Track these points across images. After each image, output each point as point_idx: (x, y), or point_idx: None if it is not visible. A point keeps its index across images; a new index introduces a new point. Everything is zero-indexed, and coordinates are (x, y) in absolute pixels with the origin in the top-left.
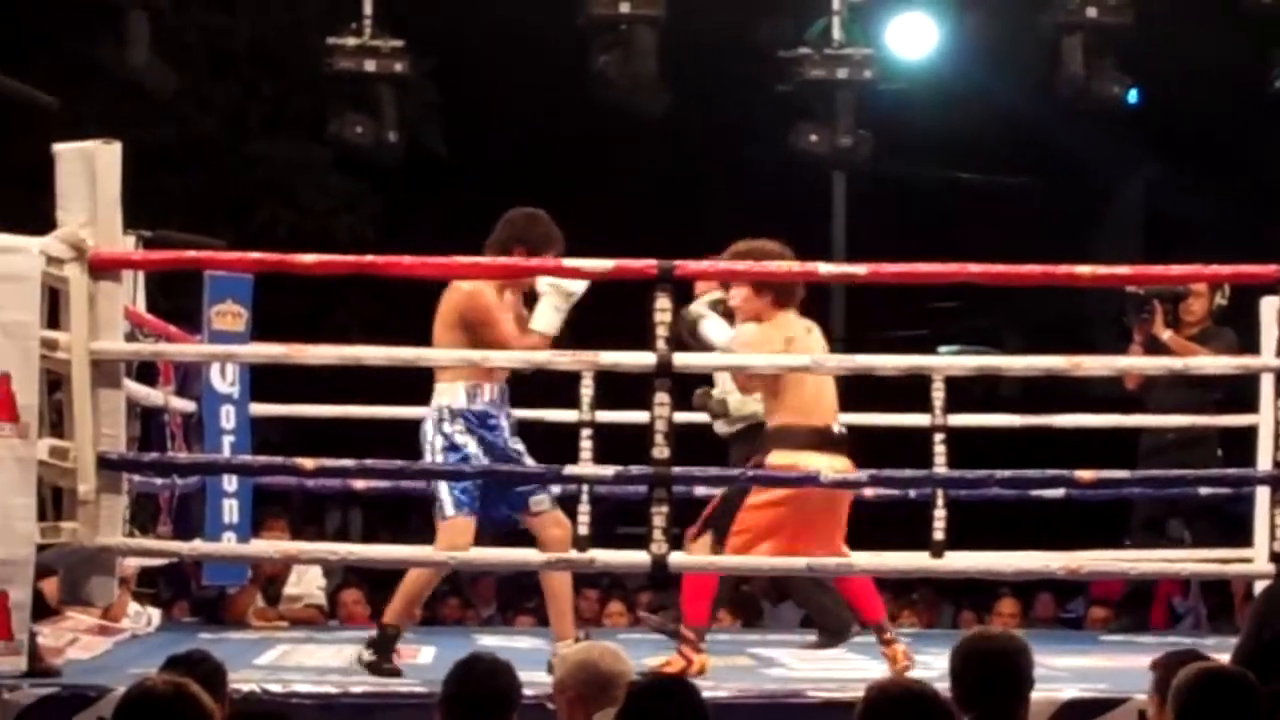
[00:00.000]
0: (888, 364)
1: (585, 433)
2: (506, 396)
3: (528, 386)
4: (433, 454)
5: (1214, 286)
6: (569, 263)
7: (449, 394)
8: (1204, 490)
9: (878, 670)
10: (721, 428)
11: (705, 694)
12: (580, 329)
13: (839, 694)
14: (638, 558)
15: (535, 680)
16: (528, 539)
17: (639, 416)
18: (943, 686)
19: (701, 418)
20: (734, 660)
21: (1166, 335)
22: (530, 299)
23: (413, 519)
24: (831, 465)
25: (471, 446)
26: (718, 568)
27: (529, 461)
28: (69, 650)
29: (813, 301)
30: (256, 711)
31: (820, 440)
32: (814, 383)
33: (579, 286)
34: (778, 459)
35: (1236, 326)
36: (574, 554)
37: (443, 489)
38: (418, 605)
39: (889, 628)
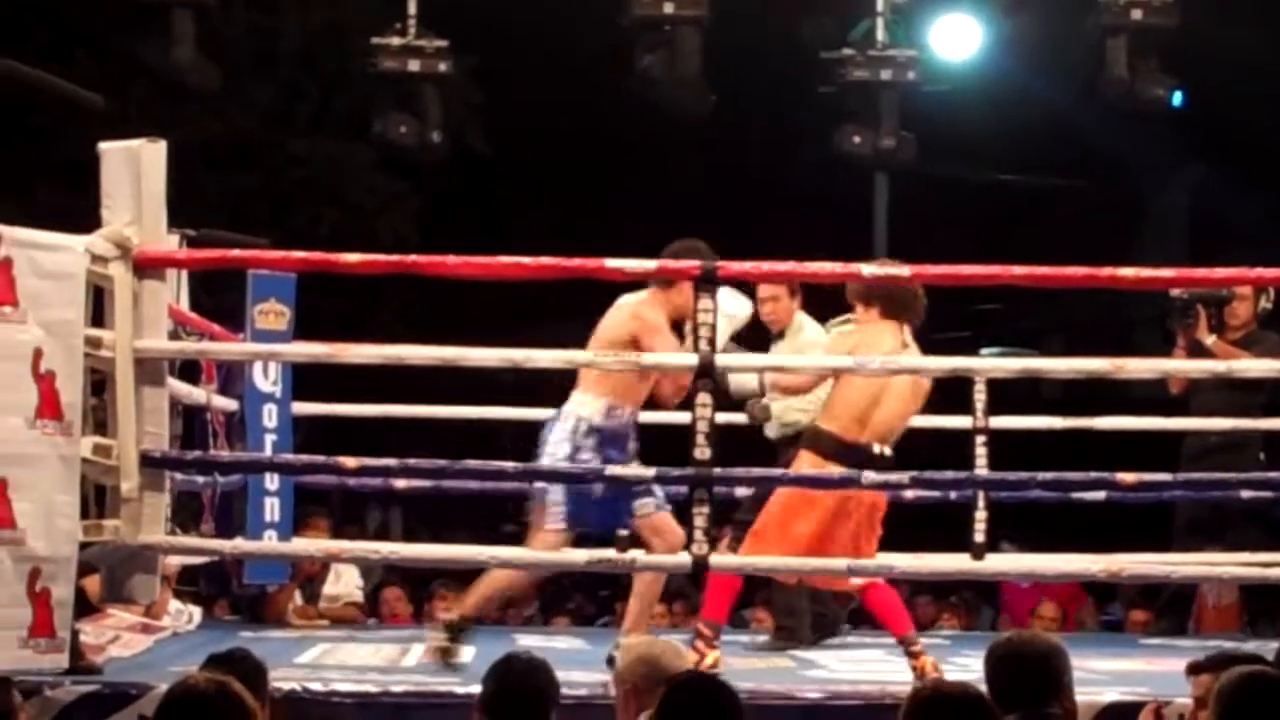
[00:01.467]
0: (930, 365)
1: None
2: (637, 420)
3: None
4: (553, 459)
5: (1259, 290)
6: (613, 263)
7: (588, 406)
8: (1245, 494)
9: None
10: (771, 432)
11: (743, 695)
12: None
13: (880, 697)
14: (679, 559)
15: (573, 680)
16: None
17: (680, 417)
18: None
19: (742, 418)
20: (774, 661)
21: (1210, 340)
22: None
23: (452, 518)
24: None
25: (595, 464)
26: (757, 569)
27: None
28: (110, 648)
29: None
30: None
31: (849, 455)
32: (867, 398)
33: (745, 311)
34: (802, 462)
35: None
36: (614, 554)
37: (552, 494)
38: (494, 604)
39: (916, 640)
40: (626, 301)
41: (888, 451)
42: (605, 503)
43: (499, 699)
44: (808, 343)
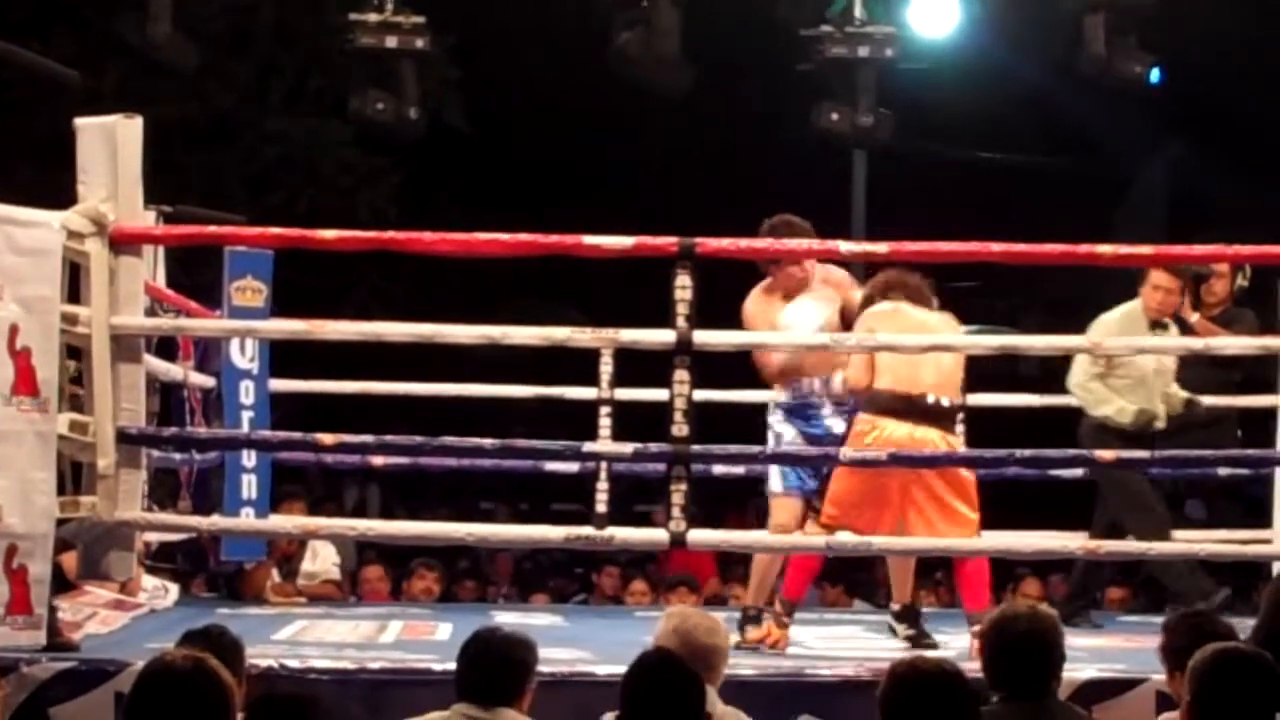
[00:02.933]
0: (907, 343)
1: (604, 410)
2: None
3: (550, 364)
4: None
5: (1235, 267)
6: (591, 240)
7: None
8: (1223, 471)
9: (894, 648)
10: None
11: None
12: (599, 307)
13: (856, 672)
14: (656, 535)
15: (552, 657)
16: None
17: (659, 394)
18: (964, 666)
19: (721, 396)
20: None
21: (1194, 318)
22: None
23: (429, 495)
24: (912, 434)
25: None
26: (731, 545)
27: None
28: (87, 625)
29: None
30: (282, 694)
31: (905, 407)
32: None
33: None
34: (859, 421)
35: (1257, 308)
36: (591, 531)
37: (773, 467)
38: (769, 582)
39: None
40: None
41: (949, 402)
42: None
43: (470, 675)
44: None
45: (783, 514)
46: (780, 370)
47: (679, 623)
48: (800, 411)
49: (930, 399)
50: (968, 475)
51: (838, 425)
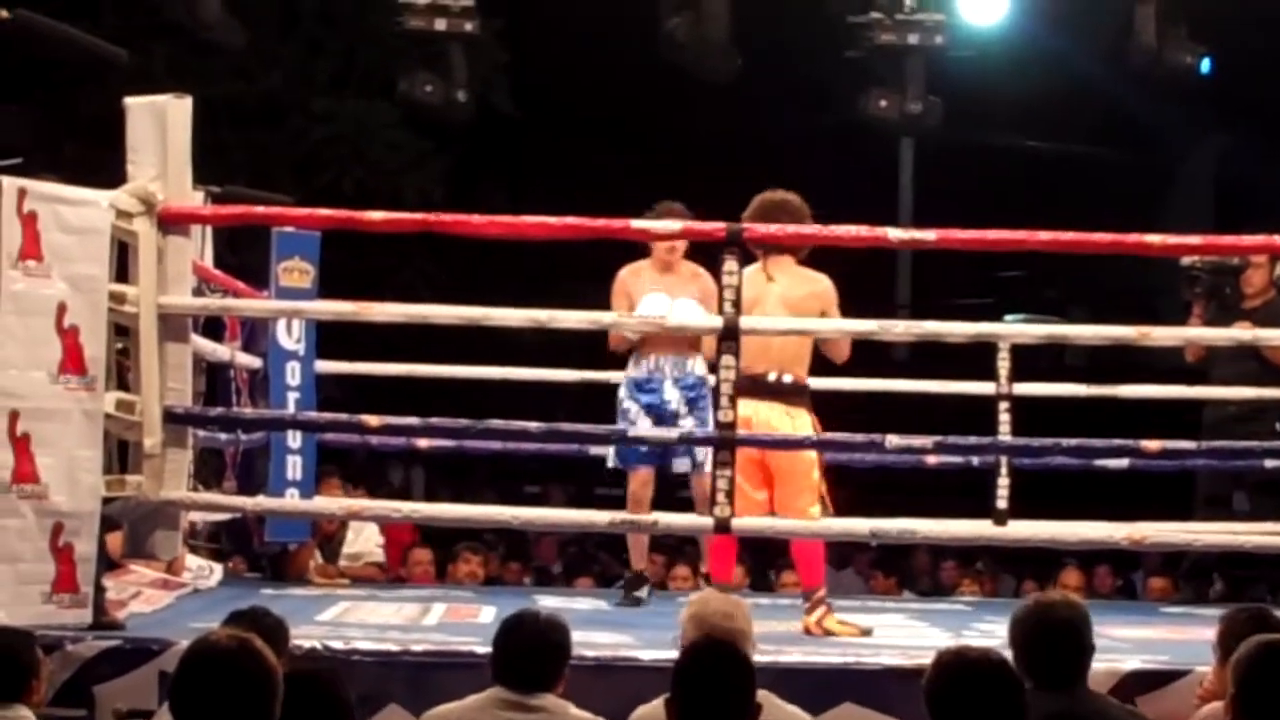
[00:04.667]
0: (954, 331)
1: None
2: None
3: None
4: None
5: (1274, 257)
6: (638, 224)
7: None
8: (1269, 463)
9: (940, 638)
10: None
11: (767, 658)
12: None
13: (902, 660)
14: (701, 521)
15: (594, 640)
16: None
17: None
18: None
19: None
20: (795, 626)
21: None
22: None
23: (473, 478)
24: (757, 411)
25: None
26: (776, 531)
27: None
28: (131, 603)
29: (879, 267)
30: (306, 670)
31: (751, 386)
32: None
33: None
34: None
35: None
36: (638, 516)
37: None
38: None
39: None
40: None
41: (787, 379)
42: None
43: (507, 659)
44: None
45: (635, 484)
46: (621, 342)
47: (698, 608)
48: (644, 385)
49: (771, 376)
50: (809, 456)
51: (674, 398)
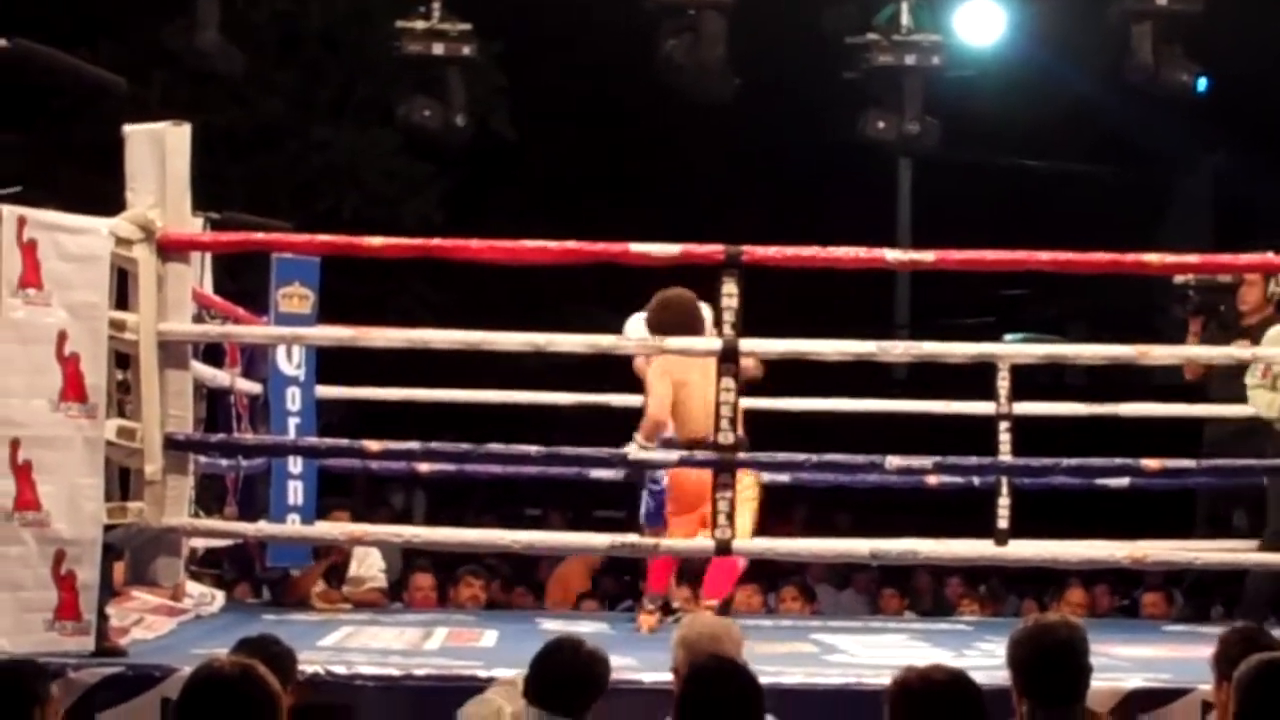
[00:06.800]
0: (954, 351)
1: None
2: None
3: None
4: None
5: (1268, 274)
6: (637, 248)
7: None
8: (1269, 480)
9: (940, 657)
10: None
11: (768, 680)
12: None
13: None
14: (702, 543)
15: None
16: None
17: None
18: (1004, 675)
19: (759, 403)
20: (796, 646)
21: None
22: None
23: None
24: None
25: None
26: (776, 553)
27: None
28: (134, 630)
29: (878, 288)
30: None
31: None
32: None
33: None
34: None
35: None
36: (636, 538)
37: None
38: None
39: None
40: None
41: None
42: None
43: (546, 682)
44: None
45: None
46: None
47: (685, 631)
48: None
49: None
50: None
51: None
